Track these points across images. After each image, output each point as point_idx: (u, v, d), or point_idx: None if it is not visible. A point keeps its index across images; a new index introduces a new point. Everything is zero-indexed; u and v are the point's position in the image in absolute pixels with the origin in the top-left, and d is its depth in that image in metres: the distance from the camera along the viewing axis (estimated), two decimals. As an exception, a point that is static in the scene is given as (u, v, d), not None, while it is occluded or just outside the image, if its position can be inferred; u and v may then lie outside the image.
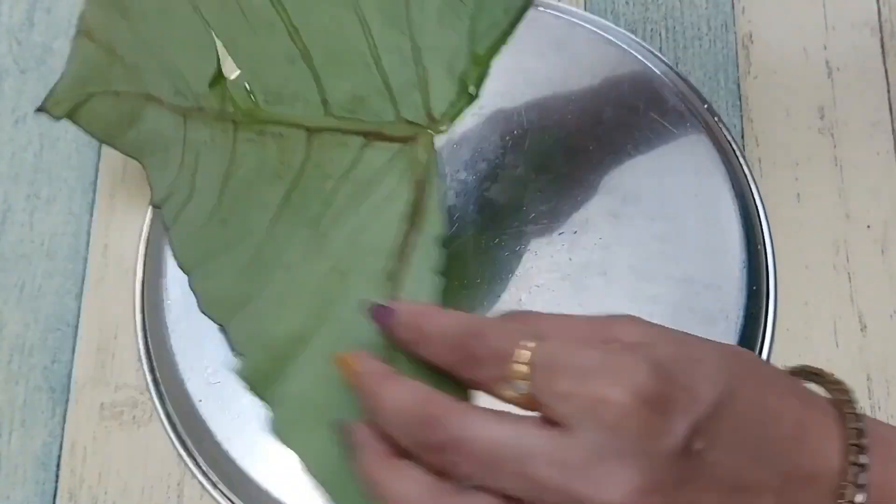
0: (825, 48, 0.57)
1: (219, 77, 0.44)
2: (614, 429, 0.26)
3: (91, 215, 0.54)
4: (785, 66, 0.57)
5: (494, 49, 0.41)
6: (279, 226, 0.43)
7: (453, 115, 0.41)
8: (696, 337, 0.30)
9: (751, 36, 0.57)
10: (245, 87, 0.44)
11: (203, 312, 0.45)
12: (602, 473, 0.26)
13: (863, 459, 0.28)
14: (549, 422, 0.27)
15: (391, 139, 0.42)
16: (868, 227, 0.53)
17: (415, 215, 0.39)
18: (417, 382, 0.30)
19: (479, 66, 0.41)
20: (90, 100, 0.50)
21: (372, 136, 0.42)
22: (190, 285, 0.47)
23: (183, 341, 0.50)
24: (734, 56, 0.57)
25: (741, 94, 0.56)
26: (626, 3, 0.58)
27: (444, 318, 0.31)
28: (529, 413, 0.29)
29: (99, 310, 0.52)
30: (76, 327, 0.52)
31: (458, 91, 0.41)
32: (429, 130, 0.41)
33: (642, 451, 0.26)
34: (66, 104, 0.49)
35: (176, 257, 0.48)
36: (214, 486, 0.48)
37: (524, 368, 0.28)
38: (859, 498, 0.28)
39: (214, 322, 0.45)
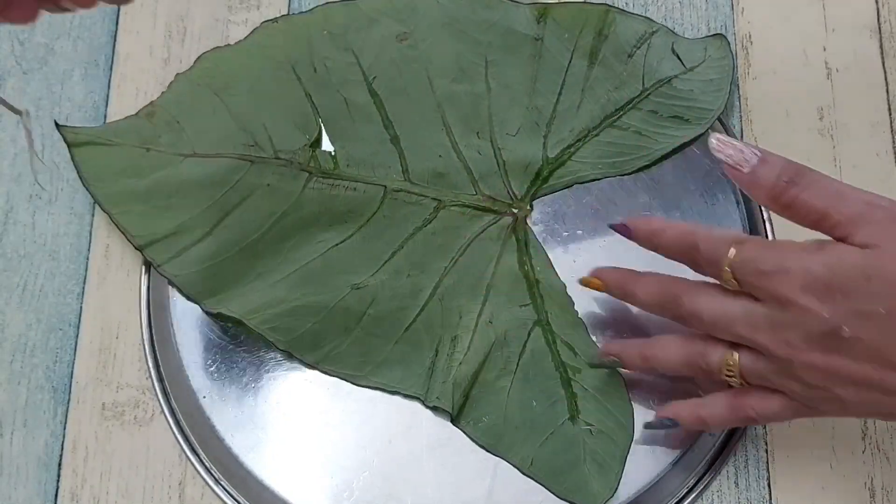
0: (825, 49, 0.57)
1: (314, 143, 0.53)
2: (785, 308, 0.39)
3: (93, 215, 0.54)
4: (784, 68, 0.57)
5: (564, 152, 0.53)
6: (334, 253, 0.50)
7: (532, 196, 0.52)
8: None
9: (750, 37, 0.58)
10: (330, 153, 0.52)
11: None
12: (774, 333, 0.40)
13: None
14: (751, 296, 0.41)
15: (475, 207, 0.51)
16: (868, 226, 0.53)
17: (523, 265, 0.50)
18: (654, 273, 0.44)
19: (551, 164, 0.52)
20: (106, 145, 0.53)
21: (448, 201, 0.51)
22: (205, 310, 0.50)
23: (187, 338, 0.50)
24: (734, 57, 0.57)
25: (741, 94, 0.56)
26: (627, 3, 0.58)
27: (668, 232, 0.43)
28: None
29: (100, 310, 0.52)
30: (78, 327, 0.52)
31: (532, 179, 0.52)
32: (513, 208, 0.52)
33: (801, 324, 0.39)
34: (82, 138, 0.54)
35: (184, 287, 0.50)
36: (217, 482, 0.48)
37: (729, 271, 0.40)
38: None
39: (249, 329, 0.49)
